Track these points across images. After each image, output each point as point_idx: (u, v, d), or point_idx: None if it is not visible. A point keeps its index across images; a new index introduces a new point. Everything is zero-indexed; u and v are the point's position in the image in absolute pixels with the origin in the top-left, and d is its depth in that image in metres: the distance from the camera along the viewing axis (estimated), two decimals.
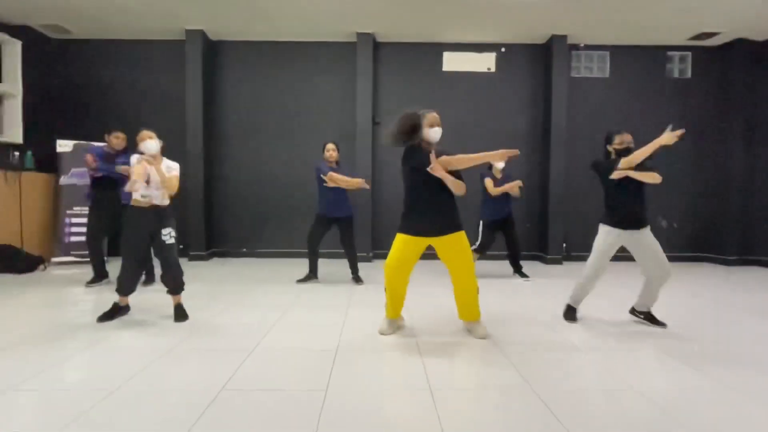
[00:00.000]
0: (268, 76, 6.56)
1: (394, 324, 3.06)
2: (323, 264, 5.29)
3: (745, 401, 2.05)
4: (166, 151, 3.37)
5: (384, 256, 6.48)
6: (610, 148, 3.25)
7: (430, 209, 2.80)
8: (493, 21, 5.82)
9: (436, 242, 2.84)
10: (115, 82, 6.46)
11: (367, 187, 4.54)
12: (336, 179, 4.35)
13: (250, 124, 6.59)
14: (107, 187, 4.34)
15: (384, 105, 6.56)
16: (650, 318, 3.29)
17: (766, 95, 6.32)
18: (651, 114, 6.57)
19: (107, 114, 6.40)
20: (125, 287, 3.22)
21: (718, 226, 6.58)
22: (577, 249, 6.58)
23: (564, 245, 6.46)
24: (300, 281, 4.70)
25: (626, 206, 3.14)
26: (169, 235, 3.20)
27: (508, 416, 1.88)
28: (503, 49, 6.52)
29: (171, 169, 3.27)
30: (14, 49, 5.81)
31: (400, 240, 2.86)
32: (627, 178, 3.08)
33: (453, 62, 6.53)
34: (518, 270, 5.16)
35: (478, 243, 4.98)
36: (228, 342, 2.80)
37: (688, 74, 6.61)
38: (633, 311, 3.41)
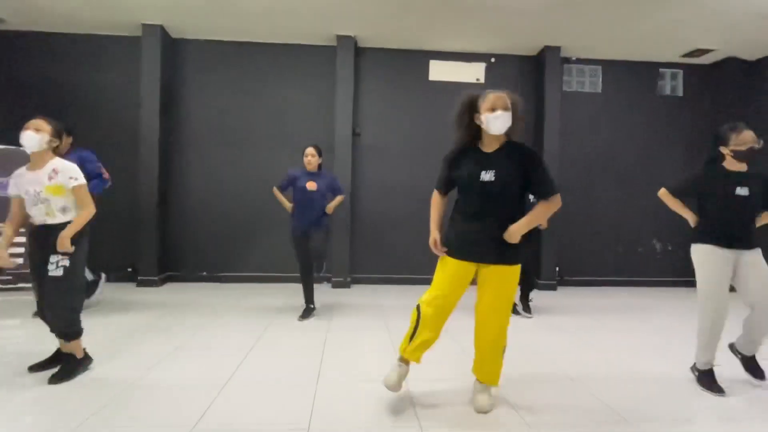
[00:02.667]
0: (236, 80, 5.89)
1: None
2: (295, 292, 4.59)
3: None
4: (75, 149, 2.63)
5: (362, 281, 5.91)
6: (725, 150, 2.58)
7: (472, 229, 2.16)
8: (483, 28, 5.41)
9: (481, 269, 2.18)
10: (58, 80, 5.62)
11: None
12: (276, 195, 4.16)
13: (215, 132, 5.88)
14: None
15: (365, 115, 6.01)
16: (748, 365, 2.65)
17: (757, 114, 6.14)
18: (643, 131, 6.31)
19: (47, 116, 5.57)
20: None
21: None
22: (570, 273, 6.15)
23: (557, 269, 6.01)
24: (301, 318, 3.96)
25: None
26: (56, 265, 2.36)
27: None
28: (493, 60, 6.12)
29: (60, 176, 2.43)
30: None
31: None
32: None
33: (440, 71, 6.07)
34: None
35: None
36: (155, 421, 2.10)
37: (680, 92, 6.40)
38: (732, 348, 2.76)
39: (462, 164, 2.18)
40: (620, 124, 6.31)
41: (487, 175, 2.07)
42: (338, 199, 4.13)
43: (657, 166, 6.22)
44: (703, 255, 2.54)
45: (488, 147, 2.15)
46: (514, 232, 2.06)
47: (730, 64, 6.15)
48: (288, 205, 4.09)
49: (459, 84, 6.09)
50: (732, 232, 2.50)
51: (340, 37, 5.69)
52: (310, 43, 5.90)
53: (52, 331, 2.45)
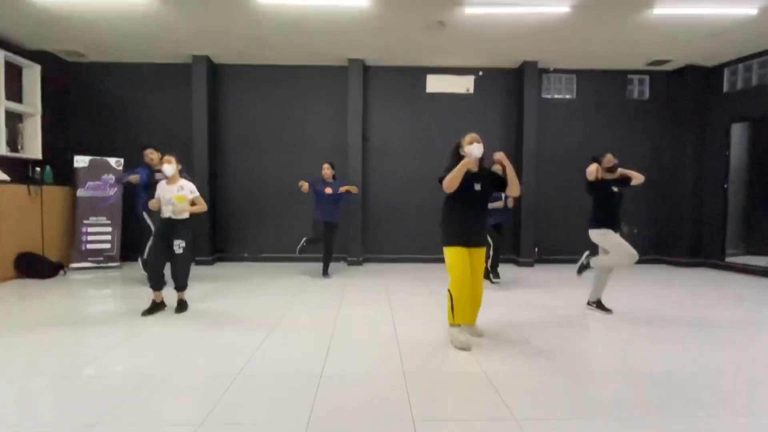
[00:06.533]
0: (267, 96, 7.17)
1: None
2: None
3: None
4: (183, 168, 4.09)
5: (373, 260, 7.19)
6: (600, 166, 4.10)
7: (470, 222, 3.17)
8: (471, 49, 6.48)
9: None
10: (127, 102, 7.02)
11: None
12: (302, 184, 5.72)
13: (251, 140, 7.20)
14: None
15: (373, 123, 7.21)
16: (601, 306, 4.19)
17: (714, 115, 7.07)
18: (613, 131, 7.31)
19: (120, 131, 6.98)
20: (155, 283, 3.89)
21: (672, 231, 7.34)
22: (547, 253, 7.29)
23: (536, 249, 7.16)
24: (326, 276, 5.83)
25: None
26: (178, 246, 3.87)
27: None
28: (481, 73, 7.21)
29: (185, 190, 3.89)
30: (34, 72, 6.34)
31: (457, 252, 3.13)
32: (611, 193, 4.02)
33: (435, 84, 7.20)
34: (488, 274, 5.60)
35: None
36: (240, 334, 3.43)
37: (647, 96, 7.35)
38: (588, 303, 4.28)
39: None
40: (593, 125, 7.33)
41: (477, 186, 3.20)
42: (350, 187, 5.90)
43: (626, 161, 7.12)
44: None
45: (473, 168, 3.20)
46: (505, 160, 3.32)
47: (691, 70, 7.06)
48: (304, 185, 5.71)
49: (452, 95, 7.23)
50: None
51: (351, 60, 6.87)
52: (326, 64, 7.10)
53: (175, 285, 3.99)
